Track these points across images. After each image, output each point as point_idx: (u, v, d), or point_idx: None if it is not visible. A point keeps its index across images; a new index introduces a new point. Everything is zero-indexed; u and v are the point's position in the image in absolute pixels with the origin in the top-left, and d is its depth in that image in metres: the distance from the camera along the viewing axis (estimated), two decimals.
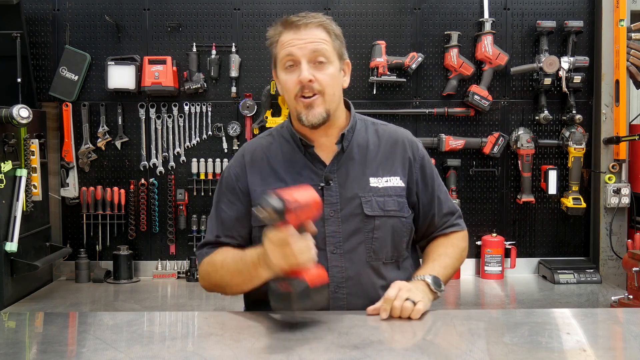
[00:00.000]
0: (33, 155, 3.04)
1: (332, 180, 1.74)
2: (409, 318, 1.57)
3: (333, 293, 1.70)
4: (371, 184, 1.76)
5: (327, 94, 1.70)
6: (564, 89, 3.34)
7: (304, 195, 1.49)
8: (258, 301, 1.73)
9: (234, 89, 3.37)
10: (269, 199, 1.44)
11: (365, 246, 1.74)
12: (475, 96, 3.32)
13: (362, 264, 1.73)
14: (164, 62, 3.28)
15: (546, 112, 3.37)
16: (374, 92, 3.35)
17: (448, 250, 1.83)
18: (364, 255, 1.74)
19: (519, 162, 3.39)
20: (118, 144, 3.38)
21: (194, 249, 3.39)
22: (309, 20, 1.71)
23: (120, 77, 3.29)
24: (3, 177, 2.79)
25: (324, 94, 1.70)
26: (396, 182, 1.79)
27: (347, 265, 1.72)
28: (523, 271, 3.48)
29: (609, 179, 3.34)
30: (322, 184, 1.73)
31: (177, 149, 3.39)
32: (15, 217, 2.84)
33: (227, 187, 1.83)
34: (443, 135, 3.37)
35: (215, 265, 1.75)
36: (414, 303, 1.57)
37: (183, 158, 3.39)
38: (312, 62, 1.69)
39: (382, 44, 3.30)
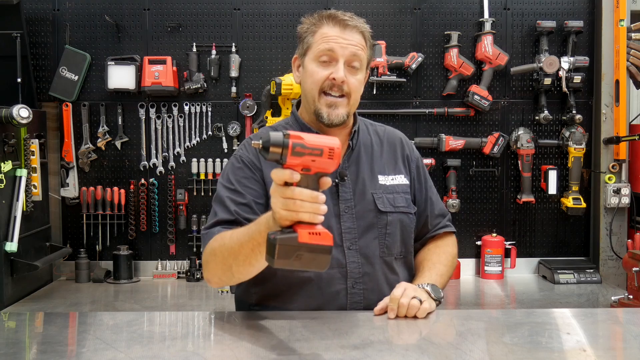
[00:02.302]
0: (33, 155, 3.04)
1: (346, 177, 1.75)
2: (415, 317, 1.57)
3: (350, 289, 1.70)
4: (380, 182, 1.79)
5: (352, 99, 1.73)
6: (564, 89, 3.34)
7: (316, 138, 1.31)
8: (256, 304, 1.74)
9: (234, 89, 3.37)
10: (271, 133, 1.28)
11: (379, 242, 1.75)
12: (475, 96, 3.32)
13: (376, 259, 1.74)
14: (164, 62, 3.28)
15: (546, 112, 3.37)
16: (374, 92, 3.34)
17: (441, 257, 1.84)
18: (377, 250, 1.75)
19: (519, 162, 3.39)
20: (118, 144, 3.38)
21: (194, 248, 3.40)
22: (356, 23, 1.72)
23: (120, 77, 3.29)
24: (3, 177, 2.79)
25: (350, 97, 1.72)
26: (401, 179, 1.82)
27: (362, 261, 1.72)
28: (523, 271, 3.48)
29: (609, 179, 3.34)
30: (337, 180, 1.73)
31: (177, 149, 3.39)
32: (15, 217, 2.84)
33: (249, 163, 1.72)
34: (443, 135, 3.37)
35: (224, 238, 1.56)
36: (420, 302, 1.58)
37: (183, 158, 3.39)
38: (348, 64, 1.70)
39: (382, 44, 3.30)
